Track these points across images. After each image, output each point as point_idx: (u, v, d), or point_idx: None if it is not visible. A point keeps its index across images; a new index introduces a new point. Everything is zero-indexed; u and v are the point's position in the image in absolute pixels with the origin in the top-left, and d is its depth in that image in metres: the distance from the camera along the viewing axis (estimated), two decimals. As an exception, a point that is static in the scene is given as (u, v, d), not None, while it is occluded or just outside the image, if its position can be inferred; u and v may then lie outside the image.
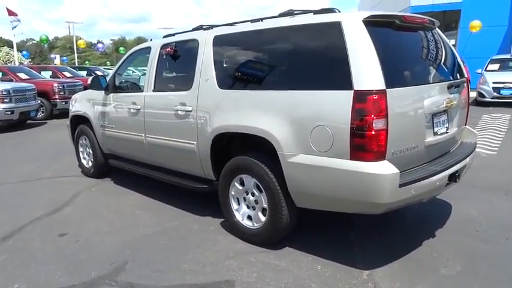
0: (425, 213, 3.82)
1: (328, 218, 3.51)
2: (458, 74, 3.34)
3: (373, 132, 2.43)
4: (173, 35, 4.18)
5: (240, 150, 3.48)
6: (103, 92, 4.85)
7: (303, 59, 2.85)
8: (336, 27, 2.62)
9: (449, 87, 3.04)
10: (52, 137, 9.00)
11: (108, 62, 51.17)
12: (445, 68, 3.26)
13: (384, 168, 2.45)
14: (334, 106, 2.56)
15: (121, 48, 46.18)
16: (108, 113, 4.77)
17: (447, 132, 3.07)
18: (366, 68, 2.47)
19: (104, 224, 3.86)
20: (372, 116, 2.43)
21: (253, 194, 3.23)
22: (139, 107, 4.20)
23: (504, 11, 17.27)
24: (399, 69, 2.72)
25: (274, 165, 3.00)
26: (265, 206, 3.11)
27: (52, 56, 44.07)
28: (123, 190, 4.92)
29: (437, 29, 3.32)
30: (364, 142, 2.46)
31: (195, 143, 3.57)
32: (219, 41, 3.47)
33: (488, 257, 2.98)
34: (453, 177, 2.91)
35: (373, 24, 2.61)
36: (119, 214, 4.11)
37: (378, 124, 2.43)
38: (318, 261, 2.99)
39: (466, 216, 3.72)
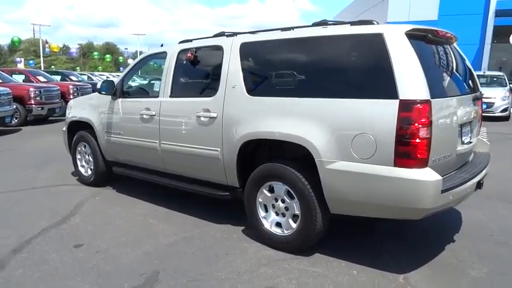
0: (439, 219, 3.94)
1: (349, 224, 3.58)
2: (476, 87, 3.52)
3: (418, 140, 2.52)
4: (190, 40, 4.15)
5: (265, 157, 3.50)
6: (109, 97, 4.72)
7: (344, 68, 2.92)
8: (378, 38, 2.70)
9: (473, 99, 3.19)
10: (30, 144, 8.60)
11: (78, 68, 49.85)
12: (468, 80, 3.43)
13: (428, 175, 2.54)
14: (378, 114, 2.63)
15: (95, 53, 45.12)
16: (115, 119, 4.64)
17: (471, 142, 3.22)
18: (410, 78, 2.56)
19: (119, 234, 3.73)
20: (417, 124, 2.51)
21: (283, 201, 3.24)
22: (153, 113, 4.12)
23: (476, 30, 18.30)
24: (437, 80, 2.84)
25: (308, 172, 3.03)
26: (297, 212, 3.13)
27: (17, 59, 42.15)
28: (129, 199, 4.78)
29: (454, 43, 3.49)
30: (409, 150, 2.54)
31: (219, 149, 3.54)
32: (247, 48, 3.48)
33: (508, 260, 3.13)
34: (479, 185, 3.05)
35: (412, 36, 2.72)
36: (133, 224, 3.99)
37: (422, 132, 2.52)
38: (352, 266, 3.03)
39: (477, 223, 3.89)
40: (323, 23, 3.17)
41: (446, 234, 3.61)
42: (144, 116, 4.24)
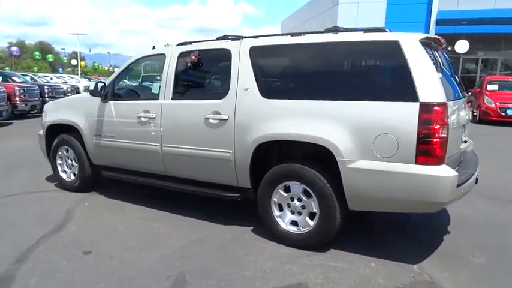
0: (428, 214, 4.27)
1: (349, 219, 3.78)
2: (464, 91, 3.87)
3: (437, 140, 2.76)
4: (190, 43, 4.14)
5: (275, 158, 3.59)
6: (96, 99, 4.56)
7: (363, 72, 3.11)
8: (395, 45, 2.92)
9: (468, 101, 3.53)
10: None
11: (7, 68, 46.24)
12: (460, 84, 3.77)
13: (446, 171, 2.79)
14: (399, 116, 2.84)
15: (36, 53, 42.19)
16: (106, 122, 4.49)
17: (466, 142, 3.56)
18: (429, 82, 2.80)
19: (126, 239, 3.63)
20: (437, 125, 2.75)
21: (299, 200, 3.36)
22: (154, 115, 4.06)
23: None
24: (445, 84, 3.11)
25: (327, 172, 3.18)
26: (315, 210, 3.26)
27: None
28: (120, 203, 4.64)
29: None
30: (429, 148, 2.77)
31: (230, 151, 3.58)
32: (257, 52, 3.55)
33: (502, 247, 3.49)
34: (476, 180, 3.38)
35: (424, 44, 2.97)
36: (136, 228, 3.90)
37: (441, 132, 2.77)
38: (368, 259, 3.21)
39: (463, 216, 4.23)
40: (334, 30, 3.34)
41: (439, 227, 3.93)
42: (143, 119, 4.15)
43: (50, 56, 47.91)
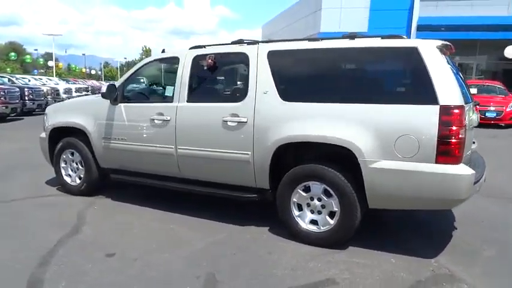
0: (431, 211, 4.45)
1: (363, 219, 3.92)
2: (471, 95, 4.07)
3: (456, 140, 2.93)
4: (203, 46, 4.19)
5: (291, 159, 3.69)
6: (105, 101, 4.55)
7: (383, 76, 3.25)
8: (414, 51, 3.07)
9: (474, 105, 3.73)
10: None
11: None
12: (467, 88, 3.96)
13: (465, 170, 2.96)
14: (420, 118, 2.99)
15: (12, 54, 40.76)
16: (117, 125, 4.48)
17: (474, 143, 3.75)
18: (448, 86, 2.97)
19: (145, 241, 3.64)
20: (456, 126, 2.92)
21: (319, 199, 3.46)
22: (168, 117, 4.09)
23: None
24: (460, 88, 3.28)
25: (346, 171, 3.30)
26: (335, 209, 3.38)
27: None
28: (128, 206, 4.64)
29: None
30: (448, 148, 2.93)
31: (249, 153, 3.66)
32: (275, 56, 3.65)
33: (509, 242, 3.69)
34: (485, 178, 3.57)
35: (440, 50, 3.14)
36: (152, 230, 3.91)
37: (460, 133, 2.93)
38: (386, 255, 3.34)
39: (467, 213, 4.41)
40: (352, 36, 3.47)
41: (447, 224, 4.11)
42: (156, 121, 4.18)
43: (27, 57, 46.51)
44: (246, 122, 3.65)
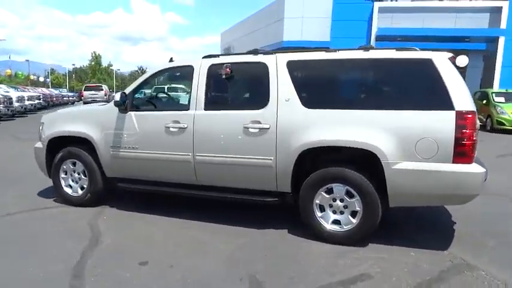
0: (428, 207, 4.82)
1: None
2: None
3: (470, 142, 3.27)
4: (217, 55, 4.30)
5: (311, 163, 3.88)
6: (112, 110, 4.52)
7: (401, 84, 3.54)
8: (429, 62, 3.40)
9: None
10: None
11: None
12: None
13: (477, 168, 3.31)
14: (438, 122, 3.31)
15: None
16: (127, 133, 4.46)
17: None
18: (461, 93, 3.32)
19: (172, 248, 3.68)
20: (469, 129, 3.26)
21: (341, 200, 3.69)
22: (185, 125, 4.15)
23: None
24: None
25: (367, 173, 3.56)
26: (358, 209, 3.61)
27: None
28: (140, 215, 4.61)
29: None
30: (464, 149, 3.27)
31: (272, 158, 3.81)
32: (295, 66, 3.85)
33: (507, 233, 4.10)
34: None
35: (450, 61, 3.49)
36: (175, 238, 3.94)
37: (473, 136, 3.28)
38: (405, 249, 3.62)
39: (465, 208, 4.65)
40: (366, 48, 3.74)
41: (448, 218, 4.48)
42: (171, 129, 4.22)
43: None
44: (269, 128, 3.81)
